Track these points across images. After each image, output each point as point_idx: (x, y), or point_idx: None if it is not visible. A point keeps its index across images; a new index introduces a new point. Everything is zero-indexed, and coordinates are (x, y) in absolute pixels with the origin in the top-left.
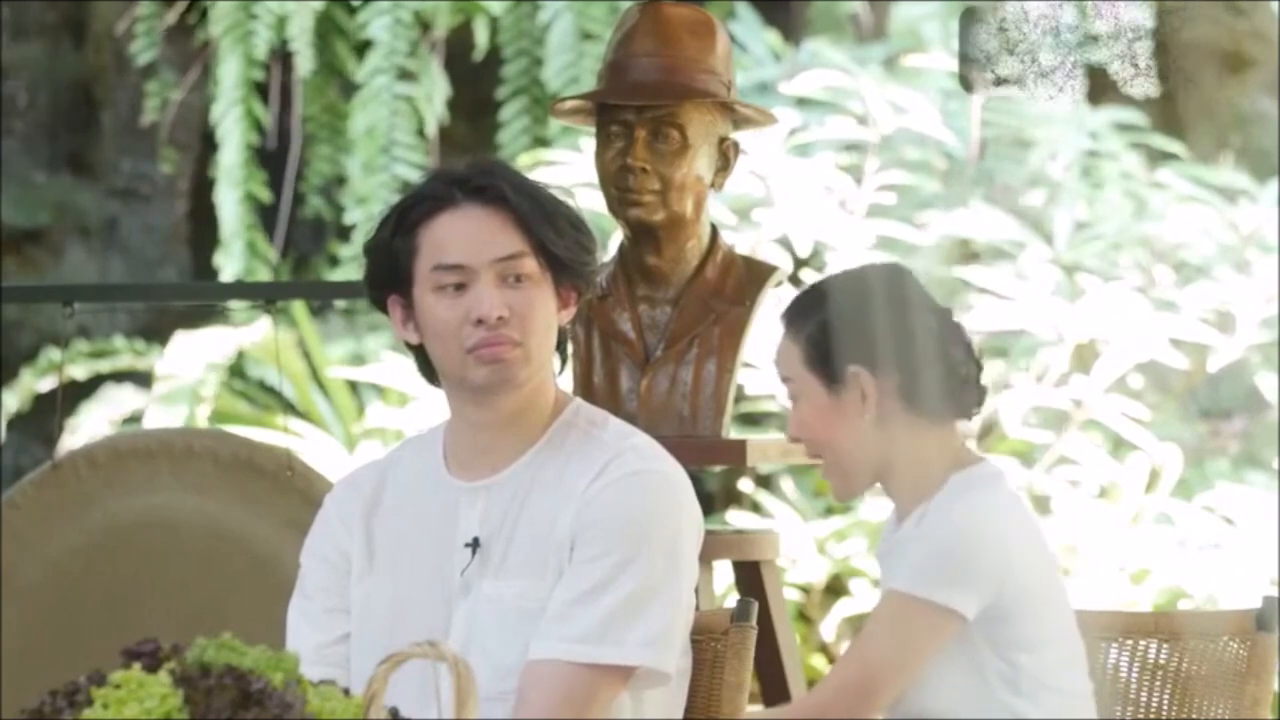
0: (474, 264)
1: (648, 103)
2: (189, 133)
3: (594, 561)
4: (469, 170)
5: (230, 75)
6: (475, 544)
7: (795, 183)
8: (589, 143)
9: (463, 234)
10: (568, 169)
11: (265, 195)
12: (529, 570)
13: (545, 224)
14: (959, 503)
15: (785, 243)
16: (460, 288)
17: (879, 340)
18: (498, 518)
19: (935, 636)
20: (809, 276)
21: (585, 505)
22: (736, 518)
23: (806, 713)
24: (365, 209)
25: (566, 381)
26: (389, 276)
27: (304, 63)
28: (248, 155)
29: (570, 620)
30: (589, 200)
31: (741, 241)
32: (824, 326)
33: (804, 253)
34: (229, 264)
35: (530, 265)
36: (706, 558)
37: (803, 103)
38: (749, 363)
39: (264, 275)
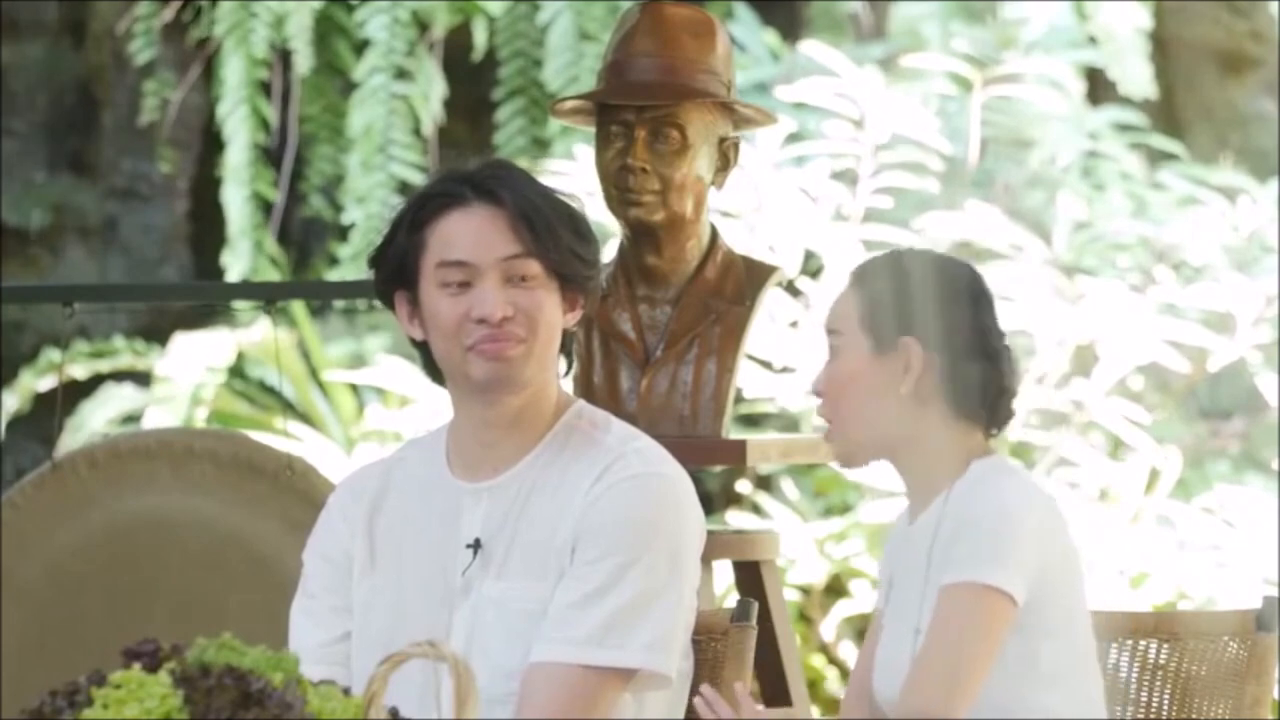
0: (479, 262)
1: (647, 103)
2: (189, 132)
3: (595, 564)
4: (480, 170)
5: (235, 74)
6: (477, 545)
7: (784, 193)
8: (583, 150)
9: (469, 232)
10: (564, 178)
11: (272, 194)
12: (530, 572)
13: (547, 229)
14: (988, 486)
15: (774, 251)
16: (465, 285)
17: (939, 322)
18: (499, 519)
19: (1000, 622)
20: (804, 285)
21: (587, 508)
22: (736, 518)
23: None
24: (363, 208)
25: (566, 382)
26: (397, 272)
27: (303, 62)
28: (254, 154)
29: (572, 623)
30: (588, 202)
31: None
32: (890, 290)
33: (792, 263)
34: (235, 263)
35: (535, 267)
36: (706, 558)
37: (800, 106)
38: (753, 356)
39: (270, 275)
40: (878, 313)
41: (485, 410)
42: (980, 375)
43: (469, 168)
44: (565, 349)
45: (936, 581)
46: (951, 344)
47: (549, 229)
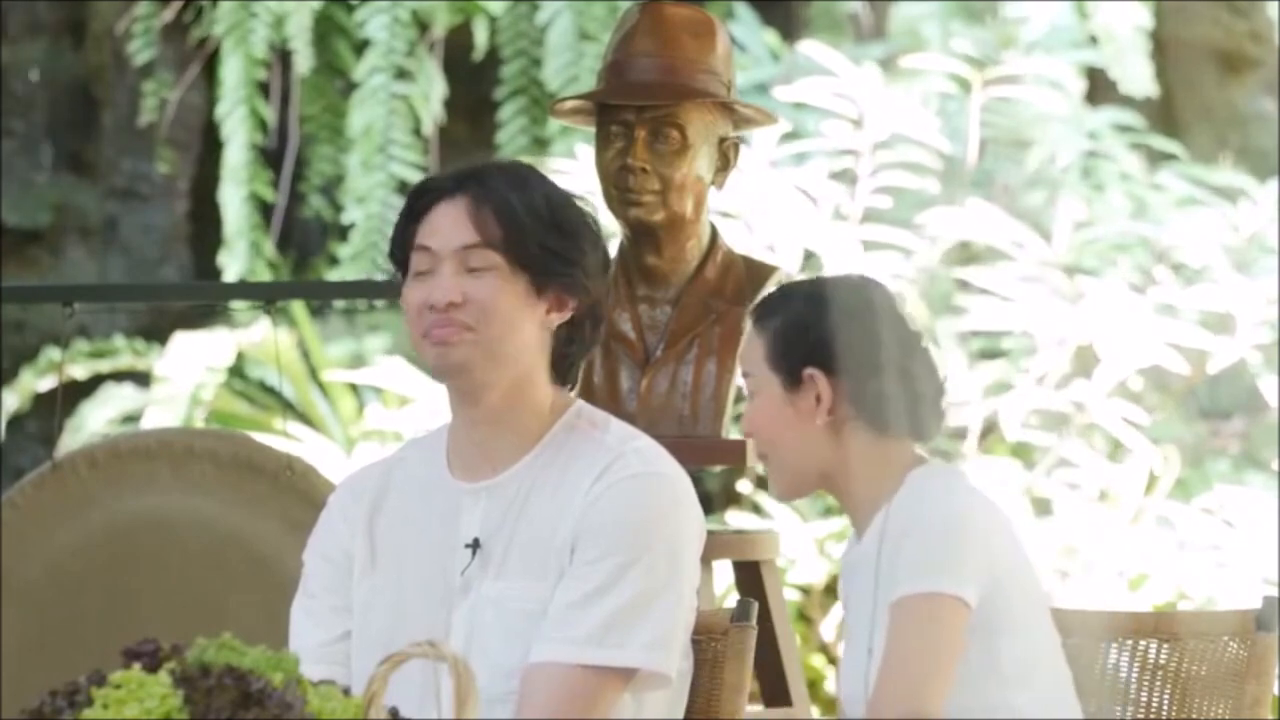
0: (439, 250)
1: (647, 102)
2: (188, 132)
3: (595, 564)
4: (477, 166)
5: (234, 74)
6: (475, 544)
7: (782, 193)
8: (584, 150)
9: (439, 221)
10: (564, 178)
11: (270, 195)
12: (530, 572)
13: (513, 222)
14: (925, 494)
15: (774, 251)
16: (428, 274)
17: (840, 347)
18: (498, 519)
19: (956, 627)
20: None
21: (587, 508)
22: (736, 518)
23: None
24: (363, 208)
25: None
26: (399, 263)
27: (303, 62)
28: (252, 155)
29: (572, 623)
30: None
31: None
32: (789, 325)
33: (791, 263)
34: (232, 264)
35: (493, 258)
36: (706, 558)
37: (799, 106)
38: None
39: (267, 275)
40: (780, 350)
41: (465, 408)
42: (893, 390)
43: (470, 165)
44: (568, 353)
45: (885, 598)
46: (856, 366)
47: (515, 222)
